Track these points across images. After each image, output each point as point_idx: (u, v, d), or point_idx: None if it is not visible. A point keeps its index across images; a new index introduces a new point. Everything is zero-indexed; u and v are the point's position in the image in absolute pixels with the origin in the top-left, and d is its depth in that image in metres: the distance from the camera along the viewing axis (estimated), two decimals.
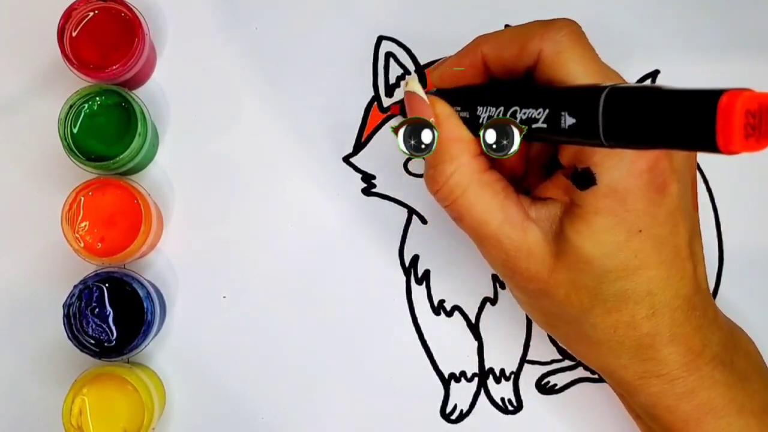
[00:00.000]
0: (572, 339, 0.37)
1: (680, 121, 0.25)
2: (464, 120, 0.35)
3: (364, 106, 0.45)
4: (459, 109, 0.36)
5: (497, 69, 0.36)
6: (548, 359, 0.44)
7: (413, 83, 0.36)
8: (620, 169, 0.32)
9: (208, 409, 0.44)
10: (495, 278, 0.45)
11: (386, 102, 0.45)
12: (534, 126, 0.32)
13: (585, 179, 0.33)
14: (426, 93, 0.36)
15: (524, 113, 0.32)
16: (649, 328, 0.34)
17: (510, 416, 0.44)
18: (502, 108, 0.34)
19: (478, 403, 0.44)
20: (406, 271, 0.45)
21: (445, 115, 0.35)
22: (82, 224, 0.41)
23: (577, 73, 0.33)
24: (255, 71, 0.45)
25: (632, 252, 0.33)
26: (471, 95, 0.36)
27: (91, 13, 0.42)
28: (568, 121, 0.30)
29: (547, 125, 0.31)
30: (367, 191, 0.45)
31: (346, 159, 0.45)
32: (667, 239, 0.34)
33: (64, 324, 0.40)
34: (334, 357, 0.44)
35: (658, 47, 0.46)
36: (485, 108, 0.35)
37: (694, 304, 0.35)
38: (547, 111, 0.31)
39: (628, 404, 0.39)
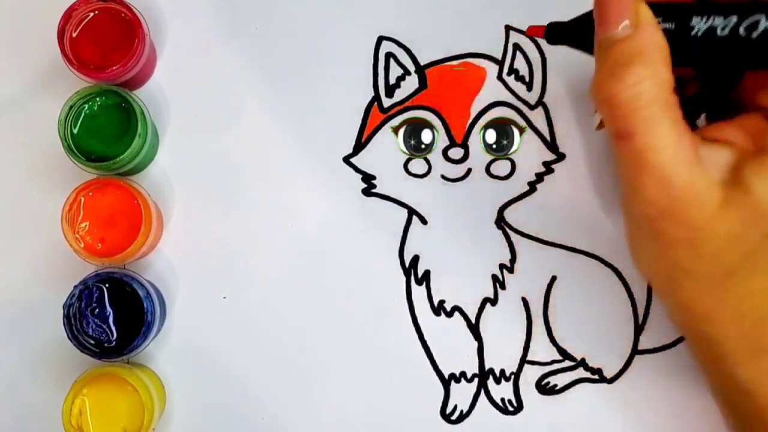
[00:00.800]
0: (696, 298, 0.33)
1: None
2: (669, 32, 0.30)
3: (364, 106, 0.45)
4: (661, 20, 0.31)
5: None
6: (548, 360, 0.44)
7: None
8: None
9: (208, 409, 0.44)
10: (495, 279, 0.45)
11: (386, 102, 0.45)
12: None
13: None
14: None
15: None
16: None
17: (510, 417, 0.44)
18: (734, 18, 0.29)
19: (478, 403, 0.44)
20: (406, 272, 0.45)
21: (648, 16, 0.31)
22: (82, 225, 0.41)
23: None
24: (255, 71, 0.45)
25: None
26: (684, 6, 0.31)
27: (92, 14, 0.42)
28: None
29: None
30: (367, 191, 0.45)
31: (346, 159, 0.45)
32: None
33: (64, 324, 0.40)
34: (334, 357, 0.44)
35: None
36: (705, 18, 0.30)
37: None
38: None
39: (719, 379, 0.35)
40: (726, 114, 0.32)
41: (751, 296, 0.32)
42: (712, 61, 0.30)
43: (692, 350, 0.37)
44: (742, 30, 0.29)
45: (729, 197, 0.31)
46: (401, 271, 0.45)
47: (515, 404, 0.44)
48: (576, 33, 0.35)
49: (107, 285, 0.41)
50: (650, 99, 0.30)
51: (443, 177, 0.45)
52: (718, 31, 0.29)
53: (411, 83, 0.45)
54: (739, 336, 0.33)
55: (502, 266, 0.45)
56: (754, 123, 0.31)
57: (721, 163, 0.31)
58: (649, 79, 0.30)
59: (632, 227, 0.34)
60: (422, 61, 0.45)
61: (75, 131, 0.41)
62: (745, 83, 0.32)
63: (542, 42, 0.44)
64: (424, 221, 0.45)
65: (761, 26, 0.28)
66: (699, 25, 0.30)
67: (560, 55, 0.45)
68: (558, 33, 0.36)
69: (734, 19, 0.29)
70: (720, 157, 0.31)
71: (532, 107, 0.45)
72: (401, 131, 0.45)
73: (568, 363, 0.44)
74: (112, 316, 0.41)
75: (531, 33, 0.37)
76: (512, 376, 0.44)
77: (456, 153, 0.45)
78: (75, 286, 0.41)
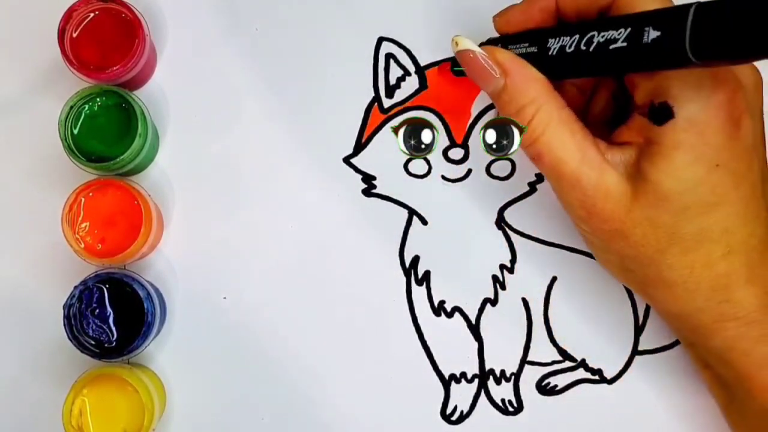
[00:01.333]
0: (648, 283, 0.37)
1: None
2: (532, 55, 0.36)
3: (365, 106, 0.45)
4: (526, 45, 0.36)
5: (569, 12, 0.36)
6: (549, 360, 0.44)
7: (462, 41, 0.37)
8: (698, 101, 0.32)
9: (208, 410, 0.44)
10: (495, 279, 0.45)
11: (386, 103, 0.45)
12: (612, 47, 0.32)
13: (662, 113, 0.33)
14: (479, 46, 0.36)
15: (602, 36, 0.32)
16: (725, 268, 0.34)
17: (510, 417, 0.44)
18: (576, 36, 0.34)
19: (478, 404, 0.44)
20: (407, 272, 0.45)
21: (510, 59, 0.36)
22: (83, 225, 0.41)
23: (654, 5, 0.33)
24: (255, 72, 0.45)
25: (710, 188, 0.33)
26: (540, 32, 0.36)
27: (92, 14, 0.42)
28: (652, 35, 0.30)
29: (628, 43, 0.31)
30: (368, 192, 0.45)
31: (347, 160, 0.45)
32: (744, 175, 0.34)
33: (64, 325, 0.40)
34: (335, 358, 0.44)
35: None
36: (557, 39, 0.35)
37: None
38: (629, 29, 0.31)
39: (699, 352, 0.39)
40: (628, 112, 0.36)
41: (691, 271, 0.35)
42: (572, 72, 0.35)
43: (676, 333, 0.40)
44: (582, 45, 0.33)
45: (636, 187, 0.34)
46: (401, 272, 0.45)
47: (515, 405, 0.44)
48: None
49: (107, 285, 0.41)
50: (544, 126, 0.35)
51: (443, 177, 0.45)
52: (567, 49, 0.34)
53: (411, 84, 0.45)
54: (697, 309, 0.36)
55: (502, 266, 0.45)
56: (638, 121, 0.35)
57: (624, 161, 0.35)
58: (537, 112, 0.35)
59: (579, 232, 0.38)
60: (422, 62, 0.45)
61: (75, 131, 0.41)
62: (627, 86, 0.36)
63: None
64: (424, 221, 0.45)
65: (595, 40, 0.33)
66: (553, 45, 0.35)
67: None
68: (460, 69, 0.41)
69: (576, 37, 0.34)
70: (623, 157, 0.35)
71: None
72: (401, 131, 0.45)
73: (568, 363, 0.44)
74: (113, 317, 0.41)
75: (441, 71, 0.44)
76: (512, 377, 0.44)
77: (456, 153, 0.45)
78: (75, 287, 0.41)
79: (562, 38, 0.35)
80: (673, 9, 0.30)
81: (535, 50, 0.36)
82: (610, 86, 0.40)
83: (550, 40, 0.35)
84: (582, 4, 0.36)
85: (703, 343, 0.37)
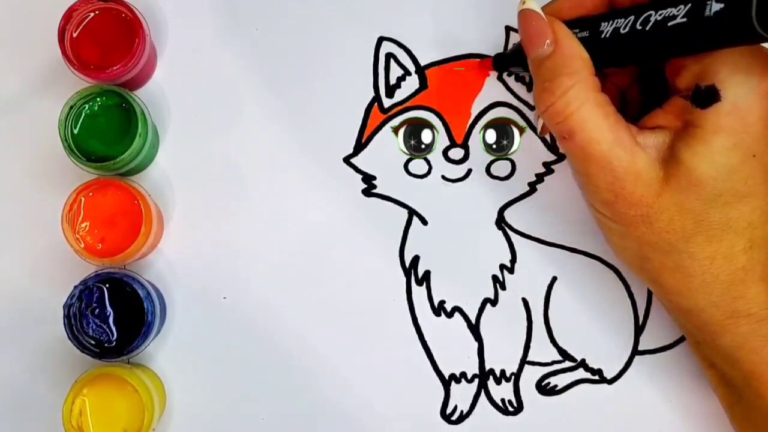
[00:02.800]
0: (664, 273, 0.36)
1: None
2: (584, 39, 0.35)
3: (365, 106, 0.45)
4: (577, 30, 0.36)
5: None
6: (549, 360, 0.44)
7: (531, 1, 0.36)
8: (746, 86, 0.32)
9: (208, 409, 0.44)
10: (495, 279, 0.45)
11: (386, 102, 0.45)
12: (671, 24, 0.31)
13: (708, 96, 0.33)
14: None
15: (660, 14, 0.32)
16: (744, 262, 0.35)
17: (510, 417, 0.44)
18: (632, 17, 0.33)
19: (478, 404, 0.44)
20: (407, 272, 0.45)
21: (564, 32, 0.36)
22: (83, 225, 0.41)
23: None
24: (255, 72, 0.45)
25: (743, 177, 0.33)
26: (592, 18, 0.36)
27: (92, 14, 0.42)
28: (715, 7, 0.29)
29: (688, 19, 0.30)
30: (368, 192, 0.45)
31: (347, 159, 0.45)
32: None
33: (64, 324, 0.40)
34: (334, 357, 0.44)
35: None
36: (610, 22, 0.34)
37: None
38: (689, 5, 0.30)
39: (705, 351, 0.39)
40: (659, 102, 0.36)
41: (712, 262, 0.35)
42: (623, 56, 0.35)
43: (682, 330, 0.40)
44: (638, 25, 0.33)
45: (668, 172, 0.34)
46: (401, 272, 0.45)
47: (515, 405, 0.44)
48: (516, 59, 0.41)
49: (107, 285, 0.41)
50: (580, 102, 0.34)
51: (443, 177, 0.45)
52: (621, 30, 0.34)
53: (411, 83, 0.45)
54: (711, 304, 0.35)
55: (502, 266, 0.45)
56: (677, 104, 0.35)
57: (657, 145, 0.35)
58: (574, 86, 0.34)
59: (597, 216, 0.37)
60: (422, 62, 0.45)
61: (75, 131, 0.41)
62: (668, 72, 0.36)
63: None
64: (424, 221, 0.45)
65: (652, 19, 0.32)
66: (606, 28, 0.34)
67: None
68: (502, 62, 0.43)
69: (632, 17, 0.33)
70: (656, 140, 0.35)
71: (532, 107, 0.45)
72: (401, 131, 0.45)
73: (568, 363, 0.44)
74: (113, 317, 0.41)
75: (482, 68, 0.45)
76: (512, 377, 0.44)
77: (456, 153, 0.45)
78: (75, 287, 0.41)
79: (615, 20, 0.34)
80: None
81: (587, 35, 0.35)
82: (624, 82, 0.39)
83: (602, 24, 0.35)
84: None
85: (711, 341, 0.37)
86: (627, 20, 0.33)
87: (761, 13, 0.28)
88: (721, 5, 0.29)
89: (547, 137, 0.44)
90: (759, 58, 0.33)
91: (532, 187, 0.45)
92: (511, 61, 0.42)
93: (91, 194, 0.41)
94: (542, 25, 0.36)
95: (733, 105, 0.33)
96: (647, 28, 0.33)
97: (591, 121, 0.34)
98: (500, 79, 0.45)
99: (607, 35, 0.34)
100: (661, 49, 0.34)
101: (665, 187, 0.34)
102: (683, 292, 0.36)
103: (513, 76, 0.45)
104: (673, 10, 0.31)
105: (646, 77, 0.40)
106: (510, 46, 0.45)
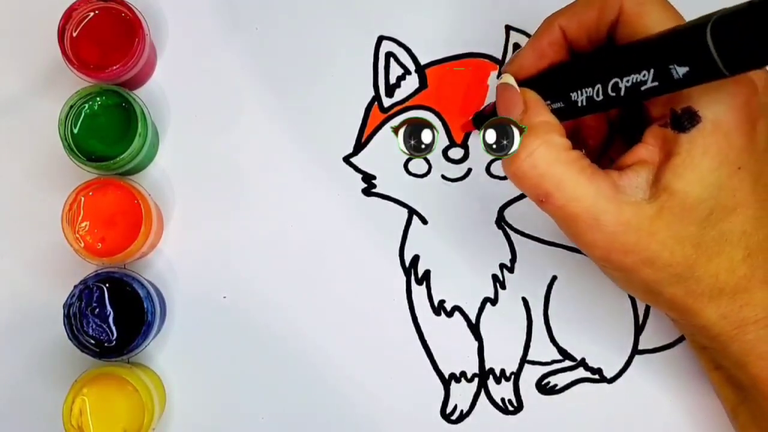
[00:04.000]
0: (676, 300, 0.36)
1: None
2: (561, 110, 0.35)
3: (365, 106, 0.45)
4: (549, 102, 0.36)
5: (579, 39, 0.36)
6: (548, 359, 0.44)
7: (508, 77, 0.37)
8: (722, 103, 0.32)
9: (208, 409, 0.44)
10: (495, 278, 0.45)
11: (386, 102, 0.45)
12: (643, 89, 0.31)
13: (687, 119, 0.32)
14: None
15: (627, 81, 0.32)
16: (745, 270, 0.34)
17: (510, 417, 0.44)
18: (599, 86, 0.33)
19: (478, 403, 0.44)
20: (406, 272, 0.45)
21: (534, 100, 0.36)
22: (83, 224, 0.41)
23: (659, 21, 0.33)
24: (255, 71, 0.45)
25: (731, 191, 0.33)
26: (559, 81, 0.36)
27: (92, 14, 0.42)
28: (681, 71, 0.29)
29: (658, 83, 0.30)
30: (368, 191, 0.45)
31: (347, 159, 0.45)
32: (760, 177, 0.34)
33: (64, 324, 0.40)
34: (334, 357, 0.44)
35: None
36: (579, 92, 0.34)
37: None
38: (652, 71, 0.30)
39: (711, 356, 0.39)
40: (637, 137, 0.35)
41: (716, 278, 0.35)
42: (601, 111, 0.35)
43: (687, 337, 0.40)
44: (610, 92, 0.33)
45: (659, 206, 0.33)
46: (401, 271, 0.45)
47: (515, 404, 0.44)
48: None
49: (107, 285, 0.41)
50: (548, 162, 0.34)
51: (443, 177, 0.45)
52: (595, 98, 0.33)
53: (411, 83, 0.45)
54: (720, 316, 0.35)
55: (502, 266, 0.45)
56: (655, 134, 0.34)
57: (642, 183, 0.34)
58: (540, 147, 0.34)
59: (598, 265, 0.37)
60: (422, 61, 0.45)
61: (75, 131, 0.41)
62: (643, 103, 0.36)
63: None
64: (424, 221, 0.45)
65: (621, 86, 0.32)
66: (578, 98, 0.34)
67: None
68: (481, 120, 0.42)
69: (599, 86, 0.33)
70: (639, 178, 0.34)
71: None
72: (401, 131, 0.45)
73: (568, 363, 0.44)
74: (112, 316, 0.41)
75: (464, 129, 0.45)
76: (512, 376, 0.44)
77: (456, 153, 0.45)
78: (75, 286, 0.41)
79: (584, 90, 0.34)
80: (687, 35, 0.29)
81: (562, 105, 0.35)
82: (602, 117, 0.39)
83: (572, 94, 0.34)
84: (590, 29, 0.35)
85: (720, 349, 0.37)
86: (595, 89, 0.33)
87: (728, 63, 0.28)
88: (686, 69, 0.29)
89: None
90: None
91: None
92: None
93: (91, 194, 0.41)
94: (514, 95, 0.36)
95: (713, 124, 0.32)
96: (621, 94, 0.32)
97: (566, 179, 0.33)
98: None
99: (583, 103, 0.34)
100: (641, 101, 0.34)
101: (658, 222, 0.33)
102: (695, 312, 0.36)
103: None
104: (639, 76, 0.31)
105: (622, 112, 0.40)
106: (510, 46, 0.45)
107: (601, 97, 0.33)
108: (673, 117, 0.33)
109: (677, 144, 0.33)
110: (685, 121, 0.33)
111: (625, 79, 0.32)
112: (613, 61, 0.33)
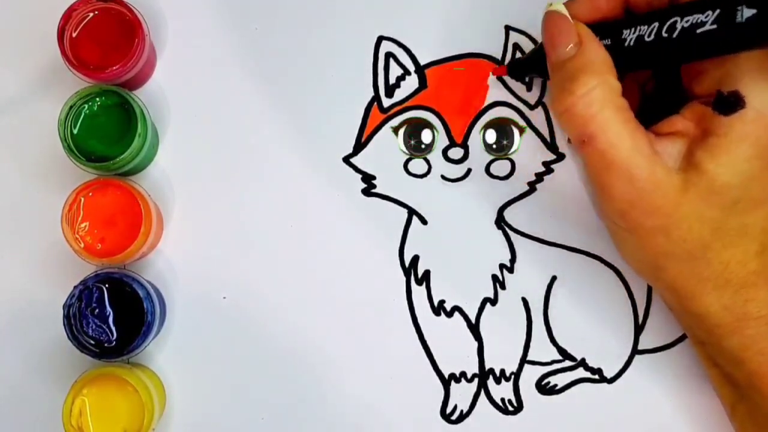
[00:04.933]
0: (680, 279, 0.36)
1: None
2: (607, 47, 0.34)
3: (364, 106, 0.45)
4: (598, 38, 0.35)
5: (639, 1, 0.35)
6: (548, 360, 0.44)
7: (558, 5, 0.36)
8: None
9: (208, 409, 0.44)
10: (495, 278, 0.45)
11: (386, 102, 0.45)
12: (700, 31, 0.30)
13: (732, 103, 0.32)
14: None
15: (687, 21, 0.31)
16: (756, 266, 0.34)
17: (510, 417, 0.44)
18: (656, 24, 0.32)
19: (478, 403, 0.44)
20: (406, 272, 0.45)
21: (589, 35, 0.35)
22: (82, 225, 0.41)
23: None
24: (255, 71, 0.45)
25: (762, 184, 0.33)
26: (612, 23, 0.35)
27: (91, 14, 0.42)
28: (746, 13, 0.28)
29: (718, 26, 0.30)
30: (367, 191, 0.45)
31: (346, 159, 0.45)
32: None
33: (64, 324, 0.40)
34: (334, 357, 0.44)
35: None
36: (633, 29, 0.33)
37: None
38: (717, 11, 0.29)
39: (708, 351, 0.39)
40: (676, 109, 0.35)
41: (726, 267, 0.34)
42: (648, 63, 0.34)
43: (686, 330, 0.40)
44: (664, 32, 0.32)
45: (687, 180, 0.33)
46: (401, 271, 0.45)
47: (515, 404, 0.44)
48: (533, 64, 0.40)
49: (107, 285, 0.41)
50: (602, 104, 0.33)
51: (443, 177, 0.45)
52: (645, 38, 0.33)
53: (411, 83, 0.45)
54: (722, 307, 0.35)
55: (502, 266, 0.45)
56: (695, 110, 0.34)
57: (675, 153, 0.34)
58: (598, 86, 0.33)
59: (611, 226, 0.37)
60: (422, 61, 0.45)
61: (75, 131, 0.41)
62: (684, 76, 0.35)
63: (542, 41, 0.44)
64: (424, 221, 0.45)
65: (678, 26, 0.31)
66: (629, 36, 0.33)
67: None
68: (518, 68, 0.42)
69: (656, 24, 0.32)
70: (673, 148, 0.34)
71: (531, 107, 0.45)
72: (401, 131, 0.45)
73: (568, 363, 0.44)
74: (112, 317, 0.41)
75: (496, 73, 0.44)
76: (512, 376, 0.44)
77: (456, 153, 0.45)
78: (75, 287, 0.41)
79: (638, 27, 0.33)
80: None
81: (609, 43, 0.34)
82: (643, 77, 0.39)
83: (624, 31, 0.33)
84: None
85: (717, 343, 0.37)
86: (651, 27, 0.32)
87: None
88: (754, 11, 0.28)
89: (547, 137, 0.44)
90: None
91: (532, 187, 0.45)
92: (528, 67, 0.42)
93: (90, 194, 0.41)
94: (568, 26, 0.35)
95: (757, 112, 0.32)
96: (674, 36, 0.31)
97: (612, 125, 0.33)
98: (500, 79, 0.45)
99: (631, 43, 0.33)
100: (689, 55, 0.33)
101: (684, 195, 0.33)
102: (696, 297, 0.36)
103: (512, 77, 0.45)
104: (701, 17, 0.30)
105: (659, 80, 0.39)
106: (510, 46, 0.45)
107: (652, 37, 0.32)
108: (718, 97, 0.32)
109: (716, 125, 0.33)
110: (730, 103, 0.32)
111: (684, 19, 0.31)
112: (674, 6, 0.32)
